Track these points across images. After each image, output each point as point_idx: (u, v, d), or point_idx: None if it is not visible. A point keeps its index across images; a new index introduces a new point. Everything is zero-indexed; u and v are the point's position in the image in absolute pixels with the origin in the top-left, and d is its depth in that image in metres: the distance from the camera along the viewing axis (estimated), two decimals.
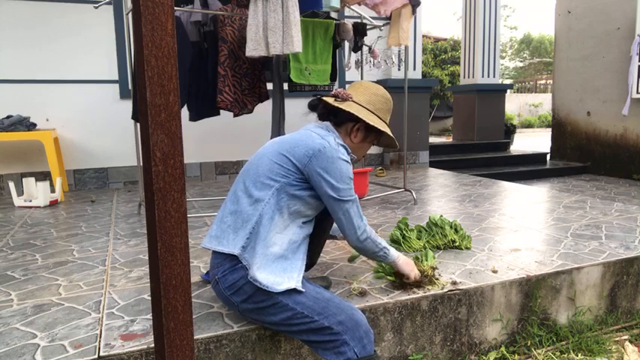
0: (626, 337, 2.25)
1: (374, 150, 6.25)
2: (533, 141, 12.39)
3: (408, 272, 1.90)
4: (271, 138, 3.83)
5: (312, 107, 1.83)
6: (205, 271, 2.17)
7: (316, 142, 1.62)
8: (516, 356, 2.06)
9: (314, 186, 1.62)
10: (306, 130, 1.71)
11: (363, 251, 1.75)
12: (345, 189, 1.62)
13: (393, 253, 1.82)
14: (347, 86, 5.89)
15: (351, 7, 4.03)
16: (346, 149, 1.71)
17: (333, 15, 4.12)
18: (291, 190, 1.60)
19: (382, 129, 1.77)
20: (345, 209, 1.63)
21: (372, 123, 1.73)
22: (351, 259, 2.27)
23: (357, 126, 1.76)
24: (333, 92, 1.79)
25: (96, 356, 1.50)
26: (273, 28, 3.10)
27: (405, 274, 1.91)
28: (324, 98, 1.78)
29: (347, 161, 1.66)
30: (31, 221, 3.50)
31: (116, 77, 5.01)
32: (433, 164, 6.61)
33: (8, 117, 4.33)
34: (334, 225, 1.92)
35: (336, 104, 1.74)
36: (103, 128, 4.99)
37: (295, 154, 1.62)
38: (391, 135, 1.83)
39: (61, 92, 4.82)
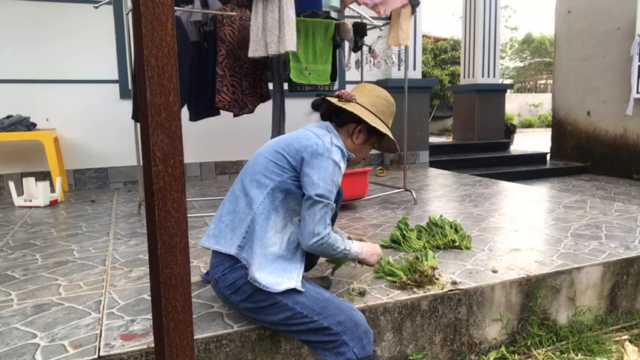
0: (626, 337, 2.25)
1: (374, 150, 6.24)
2: (533, 141, 12.39)
3: (373, 263, 1.87)
4: (271, 138, 3.83)
5: (315, 107, 1.83)
6: (205, 271, 2.17)
7: (311, 141, 1.62)
8: (516, 356, 2.06)
9: (300, 181, 1.60)
10: (305, 130, 1.71)
11: (317, 254, 1.68)
12: (324, 189, 1.57)
13: (355, 250, 1.74)
14: (347, 86, 5.88)
15: (351, 6, 4.03)
16: (342, 152, 1.68)
17: (333, 15, 4.12)
18: (285, 189, 1.60)
19: (384, 131, 1.76)
20: (313, 211, 1.57)
21: (374, 125, 1.72)
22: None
23: (359, 127, 1.76)
24: (336, 93, 1.79)
25: (96, 356, 1.50)
26: (271, 28, 3.13)
27: (371, 265, 1.89)
28: (328, 98, 1.77)
29: (337, 164, 1.62)
30: (31, 221, 3.50)
31: (116, 77, 5.01)
32: (433, 164, 6.61)
33: (8, 117, 4.33)
34: (335, 226, 1.91)
35: (339, 104, 1.74)
36: (103, 128, 4.99)
37: (290, 150, 1.62)
38: (393, 139, 1.82)
39: (61, 92, 4.82)
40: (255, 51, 3.20)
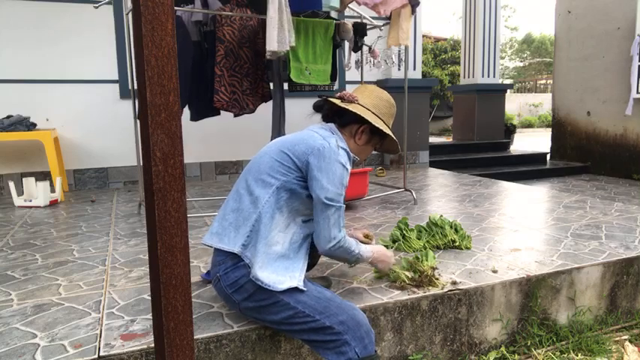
0: (626, 337, 2.25)
1: (375, 150, 6.23)
2: (533, 141, 12.39)
3: (384, 269, 1.96)
4: (272, 138, 3.83)
5: (317, 108, 1.84)
6: (205, 271, 2.17)
7: (317, 142, 1.62)
8: (516, 356, 2.06)
9: (308, 184, 1.62)
10: (309, 131, 1.72)
11: (332, 258, 1.72)
12: (333, 192, 1.59)
13: (367, 254, 1.78)
14: (347, 87, 5.87)
15: (351, 6, 4.03)
16: (347, 153, 1.70)
17: (333, 15, 4.12)
18: (290, 189, 1.60)
19: (387, 132, 1.77)
20: (326, 215, 1.59)
21: (377, 125, 1.74)
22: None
23: (361, 128, 1.77)
24: (338, 94, 1.80)
25: (96, 356, 1.50)
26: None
27: (383, 271, 1.98)
28: (331, 99, 1.79)
29: (344, 166, 1.63)
30: (31, 221, 3.50)
31: (116, 77, 5.01)
32: (433, 164, 6.61)
33: (8, 117, 4.33)
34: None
35: (342, 105, 1.74)
36: (103, 128, 4.99)
37: (295, 151, 1.62)
38: (395, 139, 1.84)
39: (61, 92, 4.82)
40: (269, 54, 3.27)
